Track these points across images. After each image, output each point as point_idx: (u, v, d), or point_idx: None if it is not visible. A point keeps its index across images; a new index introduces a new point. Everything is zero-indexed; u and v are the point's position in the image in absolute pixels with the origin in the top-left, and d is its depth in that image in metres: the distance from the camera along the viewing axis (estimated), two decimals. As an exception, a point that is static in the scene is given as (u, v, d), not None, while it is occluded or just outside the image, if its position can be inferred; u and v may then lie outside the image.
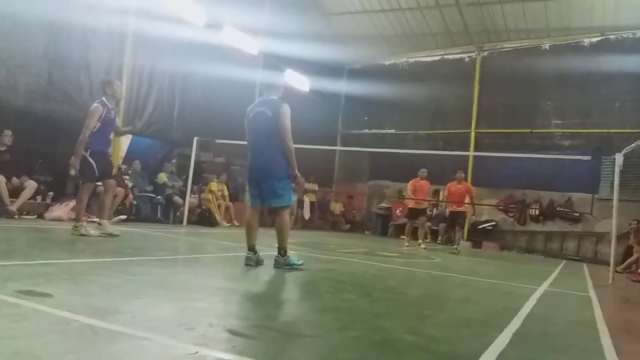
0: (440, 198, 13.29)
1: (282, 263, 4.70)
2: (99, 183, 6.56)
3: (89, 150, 5.95)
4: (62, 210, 7.96)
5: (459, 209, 10.82)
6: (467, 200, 10.79)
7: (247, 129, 4.89)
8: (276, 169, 4.68)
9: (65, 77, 9.02)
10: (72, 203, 8.22)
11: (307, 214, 15.43)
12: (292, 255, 4.87)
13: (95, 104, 6.08)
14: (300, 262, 4.79)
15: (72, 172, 5.98)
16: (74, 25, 9.07)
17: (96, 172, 6.02)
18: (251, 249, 4.76)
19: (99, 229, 6.13)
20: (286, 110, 4.71)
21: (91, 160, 5.96)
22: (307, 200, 15.51)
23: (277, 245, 4.76)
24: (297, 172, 4.74)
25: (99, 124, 5.98)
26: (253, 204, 4.91)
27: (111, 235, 6.04)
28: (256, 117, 4.79)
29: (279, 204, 4.74)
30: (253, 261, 4.71)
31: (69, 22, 8.97)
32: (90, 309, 2.37)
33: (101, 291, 2.88)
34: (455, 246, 10.73)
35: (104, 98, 6.16)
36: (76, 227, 5.88)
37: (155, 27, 10.16)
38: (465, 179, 10.93)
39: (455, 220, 11.01)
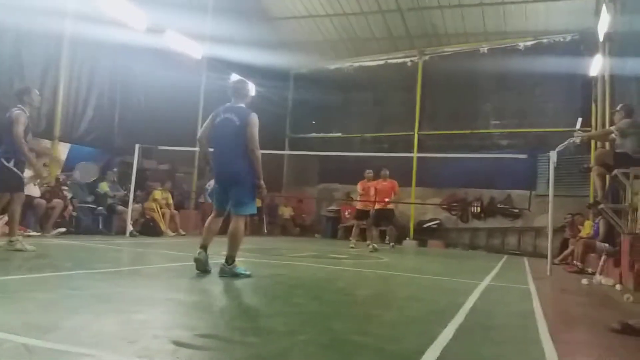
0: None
1: (228, 272, 4.60)
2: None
3: (12, 161, 5.68)
4: (-6, 225, 7.54)
5: (387, 206, 10.93)
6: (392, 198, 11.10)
7: (209, 131, 4.86)
8: (244, 177, 4.67)
9: (-3, 84, 8.59)
10: (6, 217, 7.81)
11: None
12: (240, 264, 4.80)
13: (16, 111, 5.77)
14: (247, 273, 4.68)
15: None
16: (5, 29, 8.64)
17: (24, 181, 5.82)
18: (204, 247, 4.70)
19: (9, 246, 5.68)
20: (254, 119, 4.72)
21: (16, 170, 5.71)
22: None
23: (225, 253, 4.69)
24: (262, 181, 4.73)
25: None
26: (218, 208, 4.88)
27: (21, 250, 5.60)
28: (223, 123, 4.76)
29: (241, 211, 4.72)
30: (203, 258, 4.63)
31: (0, 26, 8.54)
32: (27, 327, 2.27)
33: (38, 308, 2.76)
34: (392, 244, 11.17)
35: (20, 105, 5.87)
36: (11, 241, 5.59)
37: (94, 31, 9.84)
38: (389, 176, 11.08)
39: (381, 218, 11.08)
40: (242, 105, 4.89)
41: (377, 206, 10.86)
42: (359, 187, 11.24)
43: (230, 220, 4.77)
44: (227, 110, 4.85)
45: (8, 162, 5.66)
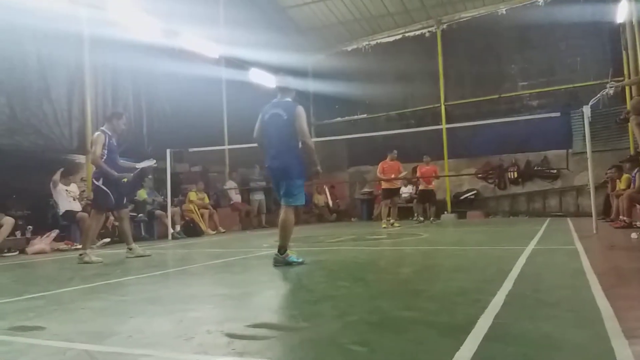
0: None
1: (282, 261, 4.74)
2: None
3: (101, 179, 6.04)
4: (43, 242, 7.84)
5: (394, 186, 11.48)
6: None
7: (259, 129, 5.02)
8: (293, 170, 4.80)
9: (27, 108, 8.86)
10: (54, 234, 8.11)
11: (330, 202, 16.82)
12: (292, 253, 4.88)
13: (96, 132, 6.21)
14: (300, 260, 4.81)
15: (125, 179, 6.17)
16: (27, 54, 8.89)
17: (113, 200, 6.10)
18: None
19: (131, 253, 6.32)
20: (301, 112, 4.86)
21: (105, 189, 6.03)
22: (326, 189, 16.61)
23: (277, 242, 4.83)
24: (319, 167, 4.87)
25: (106, 152, 6.05)
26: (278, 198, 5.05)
27: (143, 256, 6.35)
28: (271, 119, 4.91)
29: (291, 202, 4.85)
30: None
31: (22, 52, 8.80)
32: (85, 334, 2.35)
33: (94, 316, 2.86)
34: (392, 220, 11.35)
35: (104, 128, 6.23)
36: (81, 255, 5.92)
37: (112, 45, 10.04)
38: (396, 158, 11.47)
39: (392, 196, 11.53)
40: (289, 99, 5.02)
41: (385, 185, 11.50)
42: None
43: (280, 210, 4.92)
44: (274, 106, 4.99)
45: (97, 181, 6.05)
